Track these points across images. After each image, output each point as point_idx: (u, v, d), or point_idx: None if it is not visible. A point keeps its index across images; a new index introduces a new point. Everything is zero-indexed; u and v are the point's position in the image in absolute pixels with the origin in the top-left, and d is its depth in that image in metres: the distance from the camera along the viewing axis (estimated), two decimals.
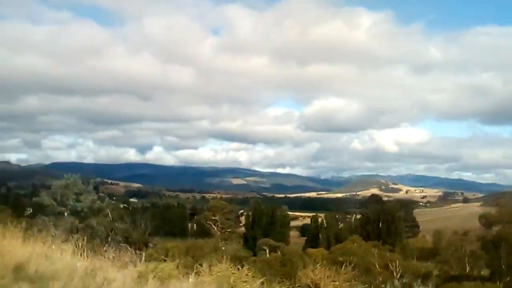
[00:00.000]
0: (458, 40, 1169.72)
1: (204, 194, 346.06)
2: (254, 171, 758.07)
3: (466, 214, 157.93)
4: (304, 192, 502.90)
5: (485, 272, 42.81)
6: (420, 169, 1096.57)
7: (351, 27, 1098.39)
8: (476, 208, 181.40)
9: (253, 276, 10.35)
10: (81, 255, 10.90)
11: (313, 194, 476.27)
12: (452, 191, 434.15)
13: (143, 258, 11.69)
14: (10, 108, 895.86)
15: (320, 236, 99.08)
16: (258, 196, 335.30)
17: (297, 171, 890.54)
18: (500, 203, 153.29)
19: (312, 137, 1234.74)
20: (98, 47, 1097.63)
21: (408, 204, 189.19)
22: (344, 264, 32.16)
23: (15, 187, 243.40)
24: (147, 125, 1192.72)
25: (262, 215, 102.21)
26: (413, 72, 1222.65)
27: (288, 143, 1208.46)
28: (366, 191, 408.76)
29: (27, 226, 14.13)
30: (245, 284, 9.91)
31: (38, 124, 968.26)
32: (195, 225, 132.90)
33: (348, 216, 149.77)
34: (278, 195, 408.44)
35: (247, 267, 10.80)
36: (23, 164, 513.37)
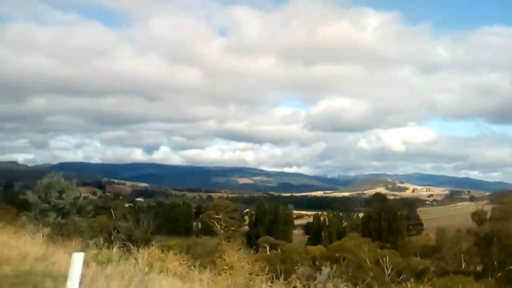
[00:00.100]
0: (465, 40, 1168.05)
1: (210, 194, 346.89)
2: (260, 170, 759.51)
3: (471, 212, 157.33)
4: (311, 191, 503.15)
5: (480, 268, 43.34)
6: (427, 168, 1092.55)
7: (358, 27, 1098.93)
8: (481, 206, 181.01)
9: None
10: (47, 244, 11.90)
11: (319, 193, 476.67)
12: (459, 190, 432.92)
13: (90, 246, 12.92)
14: (17, 108, 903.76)
15: (322, 234, 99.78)
16: (264, 195, 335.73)
17: (304, 170, 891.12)
18: (504, 201, 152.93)
19: (318, 136, 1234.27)
20: (104, 48, 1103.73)
21: (412, 203, 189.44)
22: (340, 260, 32.96)
23: (22, 187, 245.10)
24: (153, 125, 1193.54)
25: (265, 214, 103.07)
26: (420, 72, 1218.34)
27: (295, 143, 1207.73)
28: (372, 190, 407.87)
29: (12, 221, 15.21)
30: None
31: (46, 125, 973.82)
32: (200, 224, 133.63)
33: (352, 214, 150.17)
34: (284, 194, 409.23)
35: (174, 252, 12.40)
36: (30, 164, 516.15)
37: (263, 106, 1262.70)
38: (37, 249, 11.39)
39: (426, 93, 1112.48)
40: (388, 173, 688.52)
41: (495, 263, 37.55)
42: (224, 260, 12.28)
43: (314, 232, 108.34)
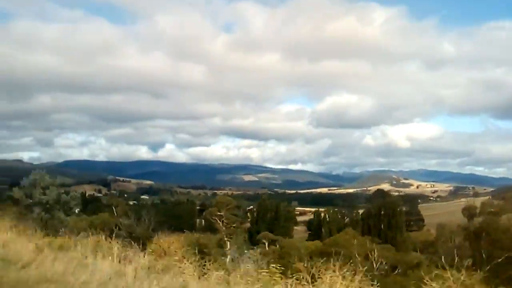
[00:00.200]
0: (472, 35, 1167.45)
1: (215, 191, 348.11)
2: (266, 167, 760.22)
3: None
4: (316, 188, 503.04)
5: (470, 262, 44.20)
6: (432, 164, 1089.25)
7: (364, 22, 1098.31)
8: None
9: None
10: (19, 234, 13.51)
11: (324, 190, 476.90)
12: (464, 186, 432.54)
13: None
14: (23, 106, 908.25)
15: (323, 230, 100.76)
16: (269, 192, 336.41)
17: (309, 167, 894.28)
18: (506, 197, 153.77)
19: (324, 133, 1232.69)
20: (110, 45, 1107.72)
21: (413, 199, 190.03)
22: (333, 255, 33.87)
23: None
24: (159, 123, 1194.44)
25: (267, 211, 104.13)
26: (426, 67, 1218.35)
27: (300, 140, 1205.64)
28: (377, 187, 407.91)
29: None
30: None
31: (51, 123, 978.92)
32: (203, 220, 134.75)
33: (354, 211, 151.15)
34: (289, 191, 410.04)
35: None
36: (35, 163, 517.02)
37: (268, 103, 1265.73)
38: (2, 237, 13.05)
39: (432, 89, 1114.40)
40: (393, 169, 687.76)
41: (484, 256, 38.48)
42: (160, 246, 13.47)
43: (314, 228, 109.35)
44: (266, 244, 66.44)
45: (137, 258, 11.77)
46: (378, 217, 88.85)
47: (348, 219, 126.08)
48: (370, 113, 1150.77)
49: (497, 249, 37.72)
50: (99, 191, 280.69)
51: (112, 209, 75.50)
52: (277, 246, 59.65)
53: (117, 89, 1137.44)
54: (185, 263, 10.96)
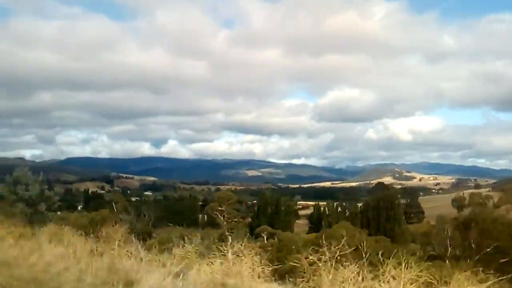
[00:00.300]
0: (472, 28, 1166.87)
1: (219, 186, 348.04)
2: (269, 162, 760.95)
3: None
4: (319, 182, 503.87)
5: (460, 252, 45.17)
6: (434, 157, 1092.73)
7: (365, 16, 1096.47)
8: (484, 194, 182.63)
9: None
10: None
11: (327, 184, 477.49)
12: (466, 178, 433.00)
13: None
14: (23, 104, 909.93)
15: (322, 223, 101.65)
16: (273, 187, 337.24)
17: (312, 161, 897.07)
18: (505, 188, 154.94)
19: (326, 127, 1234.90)
20: (110, 42, 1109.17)
21: (414, 191, 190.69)
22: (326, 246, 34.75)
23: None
24: (161, 119, 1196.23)
25: (267, 205, 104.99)
26: (427, 61, 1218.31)
27: (303, 134, 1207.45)
28: (380, 180, 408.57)
29: None
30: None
31: (52, 120, 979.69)
32: (205, 216, 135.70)
33: (356, 204, 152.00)
34: (293, 186, 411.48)
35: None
36: (37, 160, 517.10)
37: (271, 98, 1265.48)
38: None
39: (433, 82, 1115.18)
40: (396, 162, 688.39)
41: (473, 246, 39.40)
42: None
43: (314, 222, 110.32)
44: (265, 237, 67.39)
45: (81, 243, 13.04)
46: (376, 209, 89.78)
47: (348, 212, 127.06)
48: (372, 107, 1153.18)
49: (487, 239, 38.60)
50: (102, 188, 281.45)
51: (113, 205, 76.76)
52: (276, 239, 60.55)
53: (119, 86, 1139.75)
54: (124, 247, 12.43)
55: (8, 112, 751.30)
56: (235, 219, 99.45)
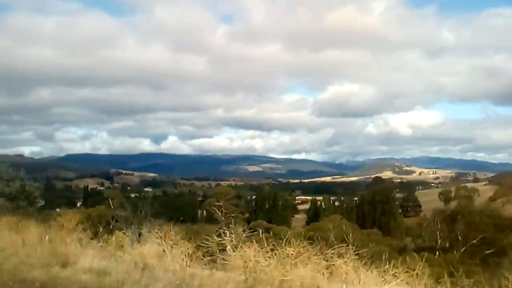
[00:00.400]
0: (471, 23, 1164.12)
1: (219, 182, 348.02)
2: (269, 157, 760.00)
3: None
4: (320, 177, 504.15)
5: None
6: (434, 151, 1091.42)
7: (364, 11, 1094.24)
8: (481, 187, 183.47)
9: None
10: None
11: (328, 179, 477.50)
12: (465, 172, 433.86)
13: None
14: (22, 101, 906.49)
15: (320, 217, 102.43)
16: (273, 182, 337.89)
17: (313, 156, 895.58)
18: (501, 182, 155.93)
19: (326, 122, 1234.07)
20: (109, 37, 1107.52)
21: (411, 185, 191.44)
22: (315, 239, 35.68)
23: (29, 181, 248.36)
24: (161, 115, 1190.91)
25: (265, 200, 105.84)
26: (426, 55, 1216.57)
27: (303, 129, 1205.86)
28: (380, 174, 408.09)
29: None
30: None
31: (51, 117, 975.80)
32: (204, 211, 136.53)
33: (354, 198, 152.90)
34: (293, 181, 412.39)
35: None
36: (36, 157, 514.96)
37: (271, 93, 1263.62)
38: None
39: (432, 77, 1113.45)
40: (395, 157, 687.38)
41: (460, 238, 40.23)
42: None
43: (312, 216, 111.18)
44: (260, 232, 68.13)
45: (36, 232, 14.12)
46: (372, 203, 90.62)
47: (345, 206, 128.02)
48: (371, 101, 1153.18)
49: (473, 231, 39.43)
50: (102, 185, 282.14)
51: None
52: (271, 233, 61.34)
53: (118, 82, 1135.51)
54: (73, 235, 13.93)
55: (7, 109, 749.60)
56: (233, 214, 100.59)
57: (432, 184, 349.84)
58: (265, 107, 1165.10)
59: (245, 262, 10.11)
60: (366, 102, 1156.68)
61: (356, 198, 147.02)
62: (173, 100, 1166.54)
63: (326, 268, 10.21)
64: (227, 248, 12.12)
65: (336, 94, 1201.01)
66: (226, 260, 11.25)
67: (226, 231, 12.73)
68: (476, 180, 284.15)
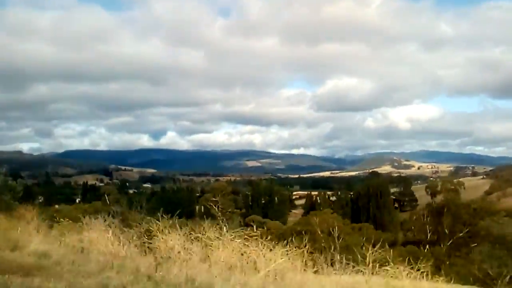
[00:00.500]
0: (469, 15, 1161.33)
1: (218, 178, 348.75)
2: (268, 153, 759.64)
3: (468, 187, 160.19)
4: (319, 172, 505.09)
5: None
6: (432, 145, 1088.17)
7: (362, 4, 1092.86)
8: (478, 181, 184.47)
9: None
10: None
11: (327, 174, 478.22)
12: (464, 166, 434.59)
13: None
14: (20, 97, 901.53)
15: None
16: (272, 177, 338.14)
17: (312, 151, 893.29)
18: (499, 175, 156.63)
19: (325, 117, 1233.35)
20: (106, 32, 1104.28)
21: (407, 180, 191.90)
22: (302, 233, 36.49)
23: (28, 177, 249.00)
24: (159, 110, 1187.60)
25: (261, 195, 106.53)
26: (424, 48, 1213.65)
27: (302, 124, 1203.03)
28: (379, 169, 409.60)
29: None
30: None
31: (49, 113, 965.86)
32: (202, 207, 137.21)
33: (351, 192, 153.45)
34: (292, 176, 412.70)
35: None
36: (35, 153, 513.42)
37: (269, 88, 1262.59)
38: None
39: (431, 70, 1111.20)
40: (394, 151, 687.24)
41: (446, 231, 40.90)
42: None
43: (307, 211, 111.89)
44: (254, 226, 68.87)
45: None
46: (367, 198, 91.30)
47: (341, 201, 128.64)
48: (370, 95, 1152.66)
49: (459, 224, 40.09)
50: (101, 181, 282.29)
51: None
52: (265, 228, 62.11)
53: (116, 77, 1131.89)
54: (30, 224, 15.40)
55: (4, 105, 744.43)
56: (230, 210, 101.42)
57: (431, 178, 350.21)
58: (264, 101, 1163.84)
59: (166, 246, 11.79)
60: (364, 96, 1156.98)
61: (352, 193, 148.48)
62: (172, 95, 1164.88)
63: (242, 254, 11.85)
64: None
65: (334, 88, 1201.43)
66: (152, 244, 12.80)
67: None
68: (474, 174, 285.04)
